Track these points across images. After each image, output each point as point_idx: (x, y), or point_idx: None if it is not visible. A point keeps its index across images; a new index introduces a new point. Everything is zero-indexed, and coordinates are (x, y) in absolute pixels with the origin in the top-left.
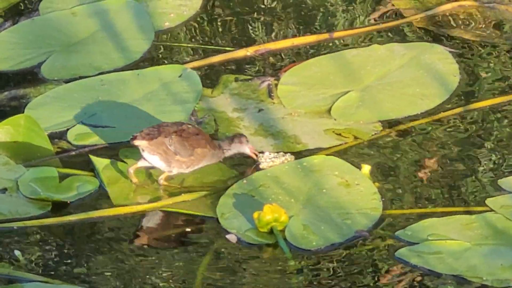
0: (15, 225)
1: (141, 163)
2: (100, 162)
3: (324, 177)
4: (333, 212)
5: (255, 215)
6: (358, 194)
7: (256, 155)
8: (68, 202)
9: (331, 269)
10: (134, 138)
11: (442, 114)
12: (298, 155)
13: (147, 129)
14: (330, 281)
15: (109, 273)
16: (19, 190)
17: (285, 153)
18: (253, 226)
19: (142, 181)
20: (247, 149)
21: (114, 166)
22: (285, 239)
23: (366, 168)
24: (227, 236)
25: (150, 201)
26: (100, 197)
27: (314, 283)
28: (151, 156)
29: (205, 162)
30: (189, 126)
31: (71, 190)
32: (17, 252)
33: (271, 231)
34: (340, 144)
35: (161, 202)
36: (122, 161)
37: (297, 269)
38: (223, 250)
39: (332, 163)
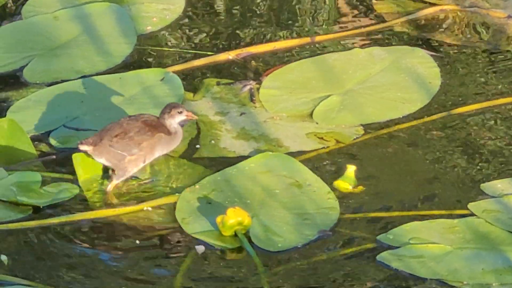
0: None
1: (116, 180)
2: (80, 165)
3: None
4: (291, 212)
5: (219, 219)
6: (312, 194)
7: (191, 117)
8: (41, 206)
9: (310, 271)
10: (80, 143)
11: (424, 119)
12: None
13: (90, 138)
14: (311, 284)
15: (89, 276)
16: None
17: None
18: (216, 230)
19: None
20: (183, 118)
21: (93, 169)
22: (250, 241)
23: (351, 169)
24: (196, 247)
25: (125, 204)
26: (82, 201)
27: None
28: (100, 160)
29: (160, 150)
30: (130, 121)
31: (52, 194)
32: (3, 257)
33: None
34: (322, 148)
35: (138, 206)
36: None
37: (265, 271)
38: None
39: (279, 162)
